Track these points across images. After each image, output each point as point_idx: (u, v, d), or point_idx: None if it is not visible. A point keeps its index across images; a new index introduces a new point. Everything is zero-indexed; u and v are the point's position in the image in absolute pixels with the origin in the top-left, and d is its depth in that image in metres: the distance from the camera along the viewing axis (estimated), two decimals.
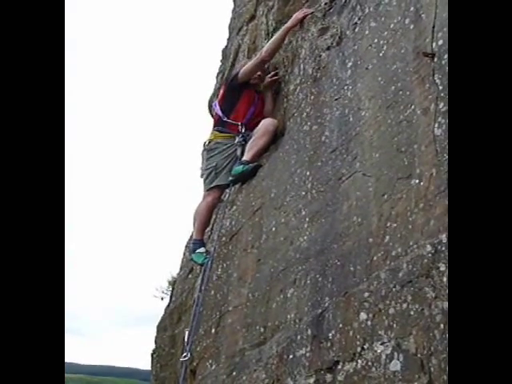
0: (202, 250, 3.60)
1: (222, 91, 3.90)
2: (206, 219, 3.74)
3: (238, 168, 3.47)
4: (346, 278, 2.08)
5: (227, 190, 3.74)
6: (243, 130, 3.64)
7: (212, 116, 4.19)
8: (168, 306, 4.67)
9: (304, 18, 3.37)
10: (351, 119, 2.48)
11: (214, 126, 3.80)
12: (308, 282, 2.37)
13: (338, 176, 2.44)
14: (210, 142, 3.76)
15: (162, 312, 4.81)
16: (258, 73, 3.74)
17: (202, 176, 3.82)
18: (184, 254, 4.82)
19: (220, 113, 3.74)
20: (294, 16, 3.47)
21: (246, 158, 3.50)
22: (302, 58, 3.34)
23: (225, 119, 3.70)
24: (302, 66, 3.30)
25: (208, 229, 3.98)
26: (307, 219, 2.57)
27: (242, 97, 3.71)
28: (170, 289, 5.26)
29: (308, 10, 3.38)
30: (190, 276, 4.35)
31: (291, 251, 2.61)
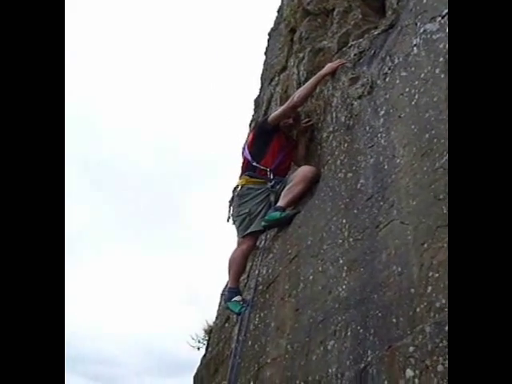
0: (238, 298, 3.56)
1: (251, 135, 3.92)
2: (241, 267, 3.70)
3: (275, 214, 3.44)
4: (388, 331, 2.02)
5: (262, 237, 3.73)
6: (271, 176, 3.65)
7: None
8: (204, 356, 4.61)
9: (338, 67, 3.45)
10: (386, 167, 2.48)
11: (244, 171, 3.78)
12: (349, 333, 2.30)
13: (375, 224, 2.41)
14: (241, 188, 3.72)
15: (199, 361, 4.74)
16: (290, 119, 3.79)
17: (233, 222, 3.77)
18: (220, 301, 4.80)
19: (249, 157, 3.74)
20: (329, 65, 3.54)
21: (280, 203, 3.48)
22: (334, 107, 3.40)
23: (254, 163, 3.70)
24: (334, 114, 3.36)
25: (244, 276, 3.96)
26: (345, 268, 2.53)
27: (271, 142, 3.73)
28: (206, 338, 5.20)
29: (342, 60, 3.46)
30: (226, 325, 4.31)
31: (330, 301, 2.56)
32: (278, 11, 6.03)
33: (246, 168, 3.77)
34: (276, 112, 3.79)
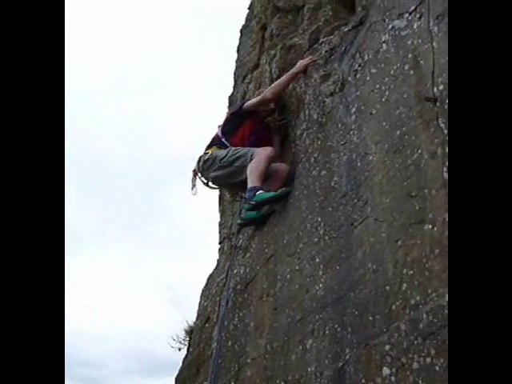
0: (261, 192, 3.27)
1: (226, 116, 3.93)
2: (264, 169, 3.38)
3: (251, 214, 3.42)
4: (365, 329, 2.03)
5: (240, 236, 3.70)
6: None
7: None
8: (186, 356, 4.57)
9: (309, 64, 3.45)
10: (359, 164, 2.49)
11: (213, 144, 3.69)
12: (327, 332, 2.31)
13: (349, 221, 2.42)
14: (211, 154, 3.62)
15: (180, 362, 4.70)
16: (270, 105, 3.77)
17: (213, 181, 3.66)
18: (200, 302, 4.76)
19: (220, 133, 3.73)
20: (300, 62, 3.54)
21: (252, 184, 3.29)
22: (306, 104, 3.39)
23: (223, 140, 3.67)
24: (307, 112, 3.35)
25: (222, 276, 3.93)
26: (321, 266, 2.54)
27: (243, 125, 3.73)
28: (187, 338, 5.16)
29: (313, 57, 3.46)
30: (206, 325, 4.28)
31: (307, 300, 2.56)
32: (249, 8, 5.98)
33: (214, 142, 3.73)
34: (251, 101, 3.81)
